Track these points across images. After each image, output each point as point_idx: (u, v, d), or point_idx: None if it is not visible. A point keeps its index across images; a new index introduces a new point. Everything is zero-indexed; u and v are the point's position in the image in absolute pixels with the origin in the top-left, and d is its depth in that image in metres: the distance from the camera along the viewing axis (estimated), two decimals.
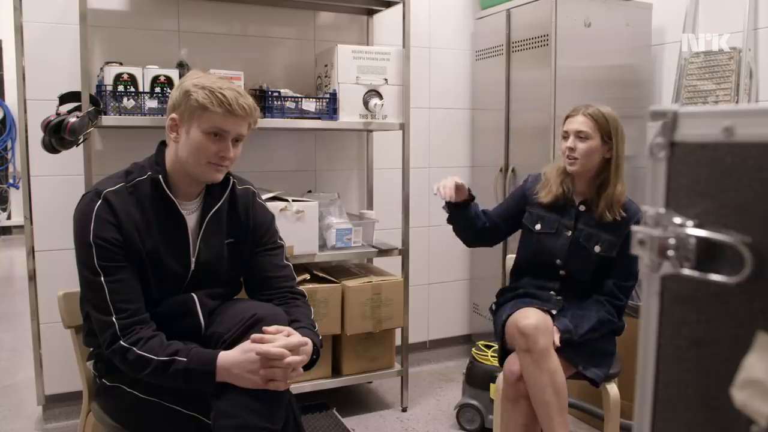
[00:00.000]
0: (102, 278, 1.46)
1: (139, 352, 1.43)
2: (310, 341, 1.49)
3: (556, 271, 2.06)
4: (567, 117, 2.05)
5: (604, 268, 2.03)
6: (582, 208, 2.05)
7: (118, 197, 1.51)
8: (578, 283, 2.05)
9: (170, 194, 1.55)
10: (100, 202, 1.49)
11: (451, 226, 2.21)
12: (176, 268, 1.57)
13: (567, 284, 2.06)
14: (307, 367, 1.50)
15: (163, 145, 1.61)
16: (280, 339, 1.43)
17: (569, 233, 2.04)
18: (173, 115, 1.53)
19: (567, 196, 2.06)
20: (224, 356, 1.42)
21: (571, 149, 1.99)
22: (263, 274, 1.69)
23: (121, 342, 1.44)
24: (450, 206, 2.12)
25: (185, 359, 1.42)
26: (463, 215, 2.13)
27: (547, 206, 2.07)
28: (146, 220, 1.53)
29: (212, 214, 1.61)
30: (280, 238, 1.76)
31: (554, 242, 2.05)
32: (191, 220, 1.60)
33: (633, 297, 2.49)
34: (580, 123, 1.99)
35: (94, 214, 1.48)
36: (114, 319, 1.46)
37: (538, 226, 2.09)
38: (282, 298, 1.67)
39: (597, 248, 2.00)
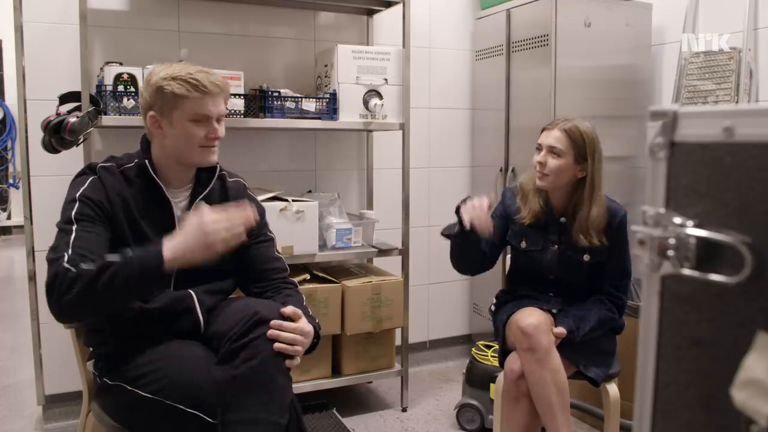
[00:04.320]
0: (74, 227, 1.47)
1: (78, 268, 1.37)
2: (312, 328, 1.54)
3: (551, 281, 2.06)
4: (544, 129, 2.00)
5: (597, 271, 2.02)
6: (563, 220, 2.02)
7: (109, 173, 1.57)
8: (574, 288, 2.05)
9: (157, 179, 1.59)
10: (94, 175, 1.56)
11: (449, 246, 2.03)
12: None
13: (563, 289, 2.06)
14: (308, 351, 1.55)
15: (146, 137, 1.65)
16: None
17: (555, 247, 2.02)
18: (151, 113, 1.57)
19: (547, 211, 2.03)
20: (166, 242, 1.40)
21: (542, 164, 1.95)
22: (258, 266, 1.72)
23: (64, 264, 1.38)
24: (462, 231, 1.91)
25: (124, 256, 1.39)
26: (472, 242, 1.93)
27: (530, 223, 2.04)
28: (135, 200, 1.57)
29: (201, 199, 1.64)
30: (270, 231, 1.80)
31: (543, 258, 2.04)
32: (180, 208, 1.63)
33: (633, 297, 2.49)
34: (554, 138, 1.94)
35: (88, 182, 1.53)
36: (65, 254, 1.41)
37: (523, 244, 2.06)
38: (275, 289, 1.71)
39: (586, 257, 1.99)
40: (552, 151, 1.94)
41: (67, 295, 1.36)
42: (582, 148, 1.93)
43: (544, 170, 1.95)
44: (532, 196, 2.03)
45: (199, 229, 1.38)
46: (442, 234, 2.01)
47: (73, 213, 1.49)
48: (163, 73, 1.55)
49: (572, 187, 1.98)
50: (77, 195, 1.51)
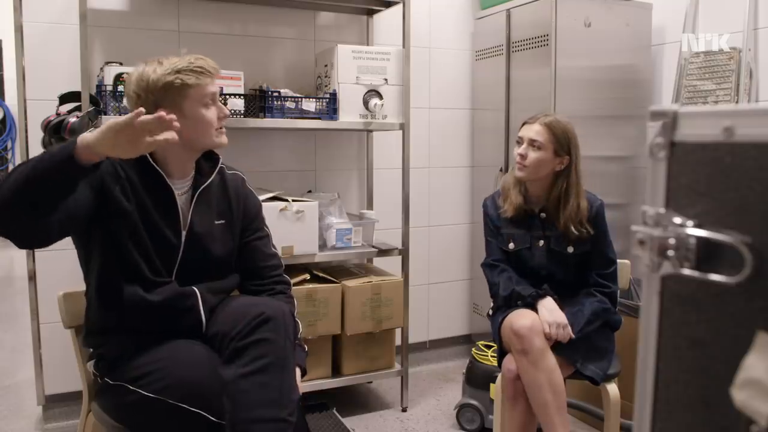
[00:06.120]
0: None
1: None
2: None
3: (543, 277, 2.08)
4: (524, 123, 2.06)
5: (583, 262, 2.05)
6: (543, 215, 2.06)
7: (107, 159, 1.47)
8: (565, 282, 2.06)
9: (157, 167, 1.58)
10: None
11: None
12: (167, 233, 1.58)
13: (554, 287, 2.07)
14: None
15: None
16: None
17: (541, 243, 2.05)
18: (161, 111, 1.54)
19: (527, 206, 2.06)
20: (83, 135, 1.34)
21: (522, 156, 2.00)
22: (255, 263, 1.75)
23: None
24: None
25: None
26: None
27: (512, 221, 2.07)
28: (137, 183, 1.56)
29: (203, 190, 1.65)
30: (266, 226, 1.82)
31: (531, 256, 2.07)
32: (182, 199, 1.63)
33: (633, 297, 2.49)
34: (535, 132, 1.99)
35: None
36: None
37: (511, 245, 2.09)
38: (270, 289, 1.73)
39: (570, 249, 2.02)
40: (533, 144, 1.99)
41: (8, 186, 1.31)
42: (562, 142, 1.99)
43: (524, 162, 2.00)
44: (512, 191, 2.08)
45: (125, 121, 1.31)
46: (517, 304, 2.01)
47: None
48: (161, 70, 1.56)
49: (550, 179, 2.03)
50: None
